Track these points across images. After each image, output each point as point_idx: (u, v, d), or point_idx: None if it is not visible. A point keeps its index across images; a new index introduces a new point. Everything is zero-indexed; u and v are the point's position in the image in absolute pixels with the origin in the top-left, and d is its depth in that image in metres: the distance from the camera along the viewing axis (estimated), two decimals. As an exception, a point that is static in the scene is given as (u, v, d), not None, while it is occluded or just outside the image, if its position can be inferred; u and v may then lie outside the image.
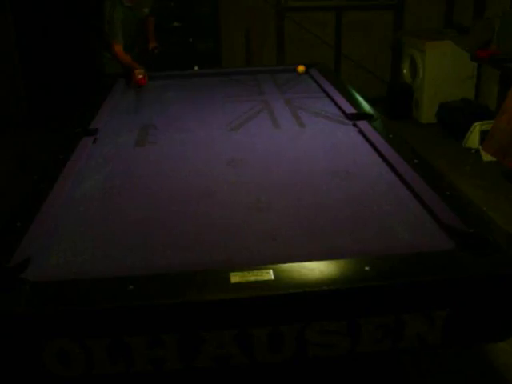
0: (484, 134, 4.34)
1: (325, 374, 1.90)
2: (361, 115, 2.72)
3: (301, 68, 3.83)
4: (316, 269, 1.42)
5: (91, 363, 1.36)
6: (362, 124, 2.58)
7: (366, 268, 1.41)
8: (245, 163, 2.25)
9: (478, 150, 4.41)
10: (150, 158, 2.35)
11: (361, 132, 2.52)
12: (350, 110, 2.81)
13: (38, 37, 5.39)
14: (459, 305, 1.42)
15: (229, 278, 1.38)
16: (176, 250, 1.60)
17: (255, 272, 1.40)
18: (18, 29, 5.31)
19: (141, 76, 3.51)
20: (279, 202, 1.89)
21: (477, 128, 4.47)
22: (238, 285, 1.36)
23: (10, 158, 4.44)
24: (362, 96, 3.09)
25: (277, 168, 2.20)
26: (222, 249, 1.59)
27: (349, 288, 1.38)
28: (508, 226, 1.65)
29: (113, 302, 1.34)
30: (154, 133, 2.66)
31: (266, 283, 1.37)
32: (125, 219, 1.81)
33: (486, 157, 4.24)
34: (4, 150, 4.65)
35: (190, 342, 1.36)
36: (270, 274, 1.39)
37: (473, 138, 4.50)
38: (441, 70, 5.06)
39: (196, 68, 4.16)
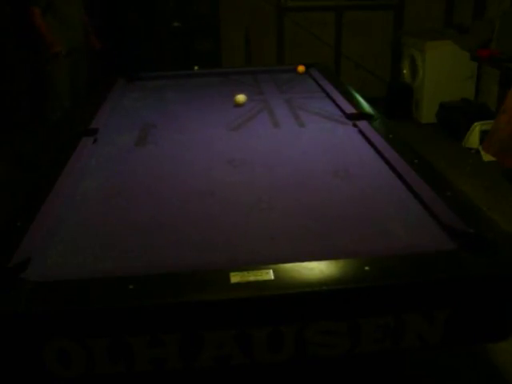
0: (484, 134, 4.34)
1: (325, 374, 1.90)
2: (361, 115, 2.71)
3: (301, 68, 3.83)
4: (316, 269, 1.42)
5: (91, 363, 1.36)
6: (362, 124, 2.58)
7: (366, 268, 1.41)
8: (245, 163, 2.25)
9: (478, 150, 4.40)
10: (150, 158, 2.35)
11: (361, 132, 2.51)
12: (350, 110, 2.81)
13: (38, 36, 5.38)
14: (459, 305, 1.42)
15: (229, 278, 1.38)
16: (176, 249, 1.60)
17: (255, 272, 1.40)
18: (18, 28, 5.31)
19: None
20: (279, 201, 1.89)
21: (477, 128, 4.47)
22: (238, 285, 1.36)
23: (9, 158, 4.44)
24: (362, 96, 3.08)
25: (277, 168, 2.20)
26: (222, 249, 1.59)
27: (349, 288, 1.38)
28: (508, 226, 1.66)
29: (113, 302, 1.34)
30: (154, 133, 2.66)
31: (265, 283, 1.37)
32: (125, 219, 1.81)
33: (486, 157, 4.23)
34: (4, 149, 4.65)
35: (190, 341, 1.36)
36: (269, 274, 1.39)
37: (473, 138, 4.50)
38: (441, 70, 5.05)
39: (196, 68, 4.15)
